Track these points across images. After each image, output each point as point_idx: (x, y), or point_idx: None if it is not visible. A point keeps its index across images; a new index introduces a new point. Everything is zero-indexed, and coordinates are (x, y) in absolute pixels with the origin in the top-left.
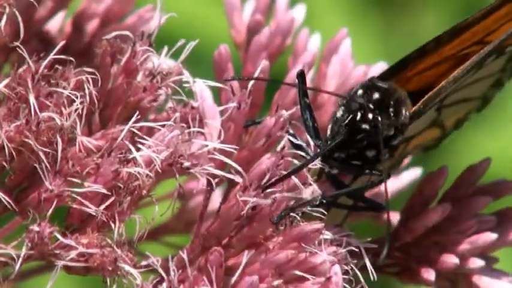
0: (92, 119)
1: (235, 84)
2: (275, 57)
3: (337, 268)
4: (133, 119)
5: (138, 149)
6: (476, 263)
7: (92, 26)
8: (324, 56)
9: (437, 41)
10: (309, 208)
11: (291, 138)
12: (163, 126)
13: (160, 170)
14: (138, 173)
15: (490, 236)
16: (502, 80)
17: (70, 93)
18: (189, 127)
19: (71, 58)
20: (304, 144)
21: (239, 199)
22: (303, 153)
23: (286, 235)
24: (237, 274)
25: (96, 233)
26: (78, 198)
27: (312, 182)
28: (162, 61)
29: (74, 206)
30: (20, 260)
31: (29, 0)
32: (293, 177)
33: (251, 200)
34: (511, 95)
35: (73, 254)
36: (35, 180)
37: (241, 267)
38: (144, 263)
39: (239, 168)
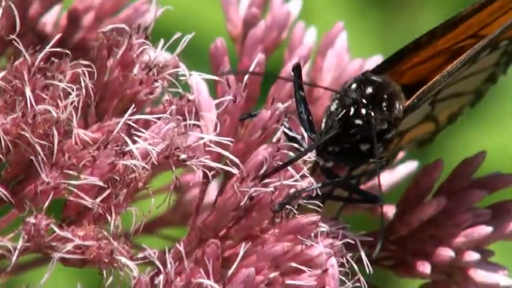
0: (88, 111)
1: (231, 77)
2: (271, 51)
3: (333, 260)
4: (130, 111)
5: (134, 142)
6: (472, 256)
7: (87, 19)
8: (320, 50)
9: (431, 34)
10: (305, 201)
11: (286, 131)
12: (159, 118)
13: (156, 163)
14: (135, 165)
15: (485, 229)
16: (495, 75)
17: (66, 86)
18: (185, 120)
19: (67, 51)
20: (299, 137)
21: (237, 190)
22: (297, 146)
23: (283, 227)
24: (233, 266)
25: (93, 226)
26: (75, 190)
27: (307, 174)
28: (158, 54)
29: (71, 198)
30: (17, 252)
31: None
32: (289, 168)
33: (249, 190)
34: (509, 91)
35: (69, 246)
36: (32, 172)
37: (238, 260)
38: (140, 255)
39: (236, 160)
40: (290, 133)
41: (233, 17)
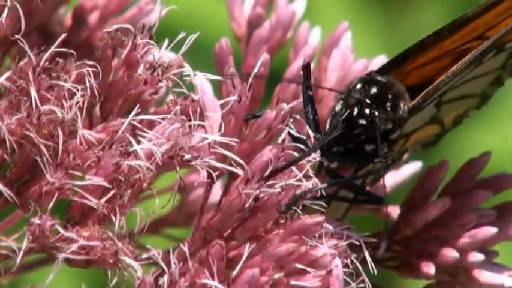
0: (93, 112)
1: (237, 77)
2: (276, 51)
3: (337, 261)
4: (134, 111)
5: (138, 142)
6: (476, 257)
7: (92, 18)
8: (325, 50)
9: (437, 35)
10: (310, 201)
11: (291, 131)
12: (164, 119)
13: (161, 163)
14: (139, 165)
15: (490, 230)
16: (502, 77)
17: (71, 86)
18: (189, 120)
19: (72, 51)
20: (304, 137)
21: (241, 192)
22: (302, 146)
23: (287, 228)
24: (238, 267)
25: (97, 226)
26: (79, 191)
27: (312, 175)
28: (162, 54)
29: (75, 198)
30: (21, 253)
31: None
32: (294, 168)
33: (254, 192)
34: (510, 91)
35: (74, 246)
36: (36, 173)
37: (242, 260)
38: (145, 255)
39: (241, 161)
40: (295, 133)
41: (238, 17)
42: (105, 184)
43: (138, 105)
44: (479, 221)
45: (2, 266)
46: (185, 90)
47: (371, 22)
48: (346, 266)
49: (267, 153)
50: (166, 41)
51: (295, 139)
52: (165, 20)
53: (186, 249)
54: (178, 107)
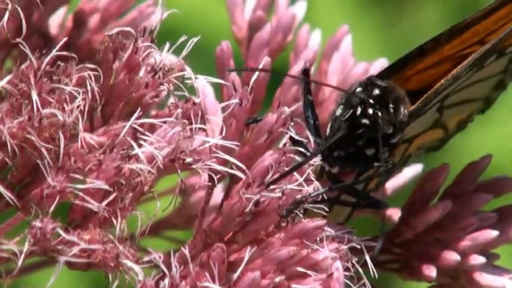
0: (94, 115)
1: (237, 80)
2: (276, 54)
3: (338, 264)
4: (135, 115)
5: (140, 145)
6: (477, 259)
7: (93, 21)
8: (325, 53)
9: (436, 41)
10: (311, 205)
11: (292, 135)
12: (165, 122)
13: (162, 166)
14: (140, 169)
15: (491, 233)
16: (504, 81)
17: (72, 89)
18: (190, 123)
19: (73, 55)
20: (305, 141)
21: (242, 196)
22: (303, 150)
23: (288, 231)
24: (239, 270)
25: (98, 229)
26: (80, 194)
27: (313, 179)
28: (164, 57)
29: (76, 202)
30: (23, 255)
31: None
32: (295, 173)
33: (254, 197)
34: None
35: (75, 249)
36: (38, 176)
37: (243, 264)
38: (146, 258)
39: (242, 166)
40: (296, 137)
41: (238, 20)
42: (107, 187)
43: (139, 109)
44: (480, 223)
45: (3, 268)
46: (186, 94)
47: (370, 21)
48: (347, 269)
49: (268, 157)
50: (168, 44)
51: (296, 143)
52: (165, 23)
53: (187, 252)
54: (179, 110)
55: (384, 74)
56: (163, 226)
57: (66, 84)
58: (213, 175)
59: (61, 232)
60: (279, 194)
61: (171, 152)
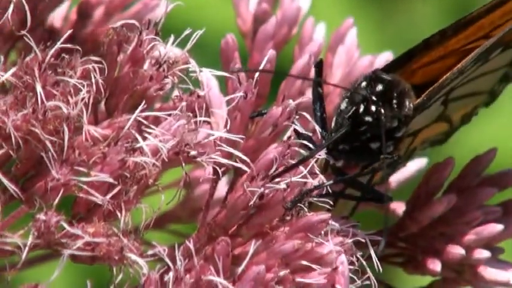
0: (98, 107)
1: (242, 73)
2: (281, 47)
3: (343, 258)
4: (140, 108)
5: (144, 138)
6: (482, 253)
7: (97, 13)
8: (330, 46)
9: (442, 34)
10: (316, 199)
11: (297, 128)
12: (169, 115)
13: (166, 159)
14: (145, 162)
15: (496, 227)
16: (509, 75)
17: (77, 82)
18: (195, 116)
19: (78, 47)
20: (310, 134)
21: (246, 189)
22: (308, 143)
23: (293, 225)
24: (243, 264)
25: (103, 222)
26: (85, 187)
27: (318, 172)
28: (168, 50)
29: (81, 195)
30: (27, 249)
31: None
32: (300, 166)
33: (258, 190)
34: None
35: (79, 243)
36: (42, 169)
37: (248, 257)
38: (150, 252)
39: (246, 159)
40: (300, 130)
41: (243, 13)
42: (111, 180)
43: (143, 101)
44: (485, 218)
45: (7, 261)
46: (191, 86)
47: (366, 14)
48: (351, 263)
49: (273, 151)
50: (172, 37)
51: (300, 136)
52: (170, 16)
53: (191, 245)
54: (184, 103)
55: (389, 68)
56: (167, 219)
57: (70, 77)
58: (218, 168)
59: (65, 225)
60: (284, 186)
61: (176, 145)
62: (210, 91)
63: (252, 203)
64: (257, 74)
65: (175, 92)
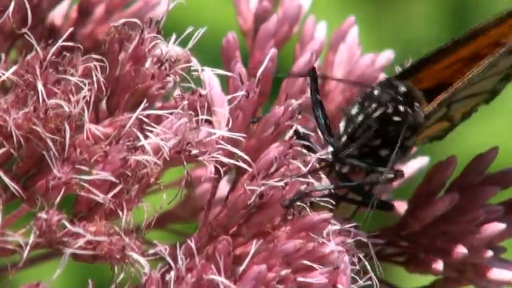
0: (100, 106)
1: (244, 72)
2: (282, 45)
3: (345, 258)
4: (142, 106)
5: (146, 137)
6: (484, 253)
7: (98, 12)
8: (332, 44)
9: (455, 43)
10: (318, 198)
11: (299, 129)
12: (171, 113)
13: (168, 158)
14: (146, 160)
15: (498, 226)
16: (511, 75)
17: (78, 80)
18: (197, 115)
19: (79, 45)
20: (312, 134)
21: (246, 188)
22: (308, 144)
23: (295, 224)
24: (245, 263)
25: (104, 221)
26: (86, 185)
27: (323, 175)
28: (170, 48)
29: (82, 193)
30: (28, 247)
31: None
32: (301, 166)
33: (258, 189)
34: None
35: (81, 241)
36: (43, 167)
37: (249, 256)
38: (151, 251)
39: (247, 158)
40: (302, 131)
41: (244, 11)
42: (112, 179)
43: (145, 100)
44: (487, 216)
45: (7, 261)
46: (193, 85)
47: (361, 13)
48: (352, 263)
49: (274, 150)
50: (174, 36)
51: (301, 138)
52: (171, 14)
53: (193, 244)
54: (185, 102)
55: (400, 76)
56: (168, 218)
57: (71, 75)
58: (219, 167)
59: (67, 224)
60: (282, 184)
61: (177, 144)
62: (212, 90)
63: (251, 201)
64: (259, 72)
65: (177, 91)
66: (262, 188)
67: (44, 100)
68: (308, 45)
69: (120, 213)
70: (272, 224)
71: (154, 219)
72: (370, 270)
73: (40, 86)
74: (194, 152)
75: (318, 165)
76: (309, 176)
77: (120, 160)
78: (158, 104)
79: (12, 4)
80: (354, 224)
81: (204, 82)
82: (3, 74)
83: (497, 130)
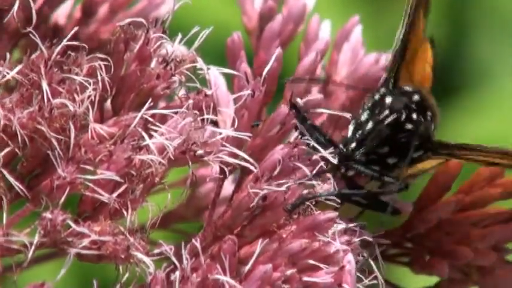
0: (104, 106)
1: (249, 71)
2: (286, 44)
3: (350, 257)
4: (147, 105)
5: (151, 136)
6: (490, 255)
7: (101, 11)
8: (336, 44)
9: None
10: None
11: (303, 131)
12: (176, 113)
13: (173, 158)
14: (151, 160)
15: (504, 228)
16: None
17: (83, 79)
18: (202, 114)
19: (84, 45)
20: (317, 135)
21: (250, 190)
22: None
23: (300, 224)
24: (250, 263)
25: (109, 221)
26: (91, 185)
27: (330, 177)
28: (175, 48)
29: (87, 193)
30: (33, 247)
31: None
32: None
33: (261, 192)
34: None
35: (86, 241)
36: (48, 167)
37: (254, 256)
38: (156, 251)
39: (250, 159)
40: (306, 132)
41: (249, 10)
42: (117, 178)
43: (150, 99)
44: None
45: (12, 261)
46: (198, 85)
47: (360, 14)
48: (357, 262)
49: (278, 151)
50: (179, 35)
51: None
52: (175, 14)
53: (198, 244)
54: (190, 101)
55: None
56: (172, 218)
57: (76, 74)
58: (224, 167)
59: (71, 224)
60: (284, 189)
61: (182, 143)
62: (217, 89)
63: (254, 204)
64: (265, 71)
65: (182, 91)
66: (265, 191)
67: (48, 99)
68: (313, 45)
69: (125, 212)
70: (277, 223)
71: (159, 219)
72: (376, 270)
73: (45, 85)
74: (199, 152)
75: (324, 167)
76: (314, 179)
77: (125, 160)
78: (163, 104)
79: (17, 3)
80: (359, 224)
81: (209, 81)
82: (8, 73)
83: (497, 127)
